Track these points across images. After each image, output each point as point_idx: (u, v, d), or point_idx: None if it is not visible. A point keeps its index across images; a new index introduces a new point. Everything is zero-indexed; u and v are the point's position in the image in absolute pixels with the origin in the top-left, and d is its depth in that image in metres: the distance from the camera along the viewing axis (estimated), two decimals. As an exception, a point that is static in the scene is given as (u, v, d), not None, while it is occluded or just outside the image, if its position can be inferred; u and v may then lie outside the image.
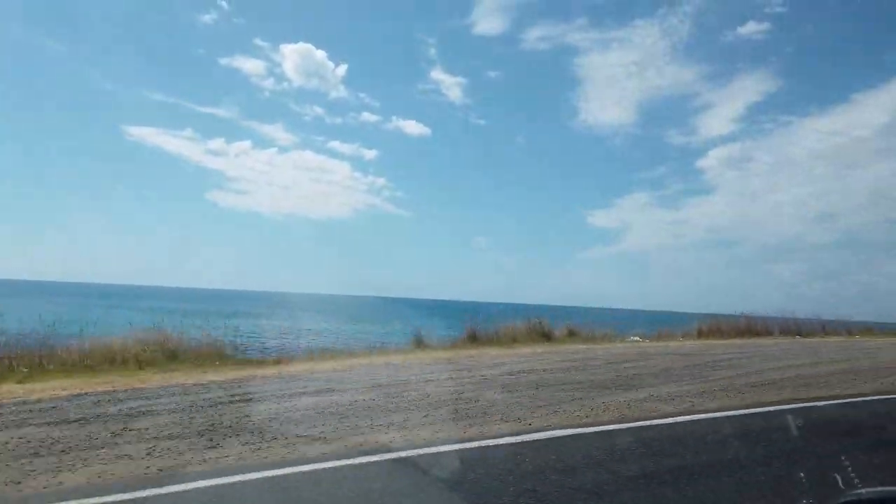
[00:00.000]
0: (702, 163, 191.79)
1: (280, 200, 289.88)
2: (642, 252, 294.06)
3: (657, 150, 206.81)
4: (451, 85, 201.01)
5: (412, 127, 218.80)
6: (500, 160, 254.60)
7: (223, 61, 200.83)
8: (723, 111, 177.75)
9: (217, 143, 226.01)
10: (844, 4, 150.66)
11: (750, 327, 21.91)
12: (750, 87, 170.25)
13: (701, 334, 20.78)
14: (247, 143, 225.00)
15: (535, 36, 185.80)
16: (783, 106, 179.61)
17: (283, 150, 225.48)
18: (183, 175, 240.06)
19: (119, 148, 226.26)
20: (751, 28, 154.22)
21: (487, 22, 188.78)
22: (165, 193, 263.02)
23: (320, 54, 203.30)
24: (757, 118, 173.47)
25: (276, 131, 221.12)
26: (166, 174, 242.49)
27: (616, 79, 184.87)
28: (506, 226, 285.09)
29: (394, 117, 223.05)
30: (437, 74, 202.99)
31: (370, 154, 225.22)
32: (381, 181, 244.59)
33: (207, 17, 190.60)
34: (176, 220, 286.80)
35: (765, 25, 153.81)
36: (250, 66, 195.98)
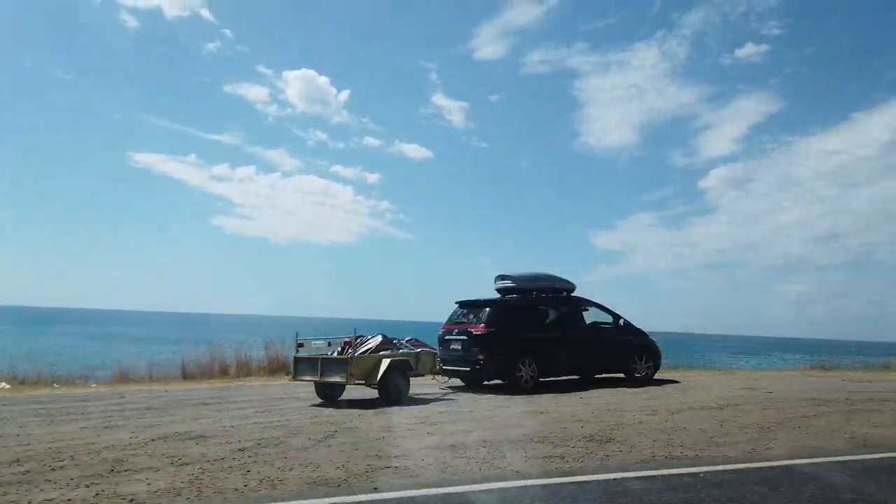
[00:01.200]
0: (704, 183, 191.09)
1: (284, 225, 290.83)
2: (647, 273, 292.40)
3: (659, 171, 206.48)
4: (452, 109, 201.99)
5: (414, 151, 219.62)
6: (503, 182, 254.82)
7: (227, 88, 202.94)
8: (724, 132, 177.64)
9: (221, 169, 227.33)
10: (842, 25, 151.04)
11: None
12: (750, 108, 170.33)
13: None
14: (251, 169, 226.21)
15: (536, 60, 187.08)
16: (784, 126, 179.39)
17: (287, 174, 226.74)
18: (188, 201, 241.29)
19: (125, 174, 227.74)
20: (749, 50, 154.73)
21: (488, 47, 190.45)
22: (171, 219, 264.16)
23: (323, 80, 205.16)
24: (758, 138, 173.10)
25: (280, 156, 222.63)
26: (172, 200, 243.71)
27: (617, 101, 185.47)
28: (510, 247, 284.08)
29: (396, 141, 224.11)
30: (439, 99, 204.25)
31: (373, 178, 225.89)
32: (384, 204, 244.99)
33: (212, 46, 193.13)
34: (181, 245, 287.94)
35: (763, 47, 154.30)
36: (254, 92, 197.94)
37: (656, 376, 13.39)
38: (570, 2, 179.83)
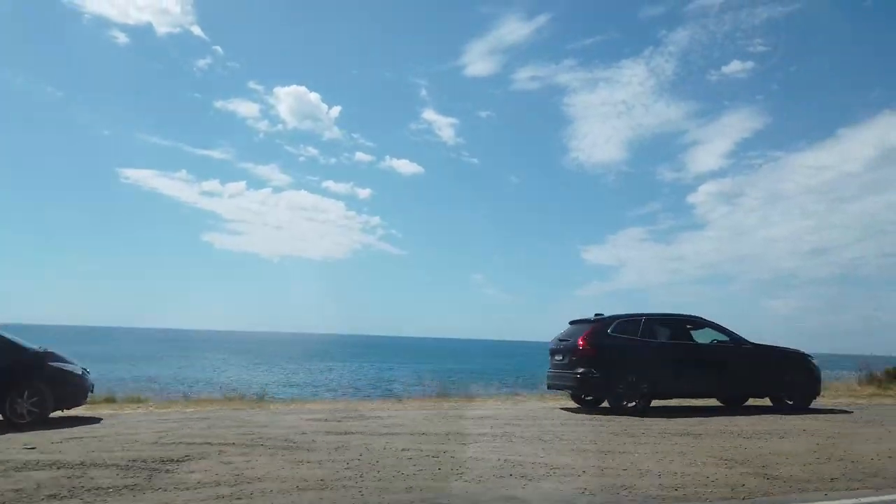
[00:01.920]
0: (693, 198, 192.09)
1: (275, 240, 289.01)
2: (640, 288, 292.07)
3: (649, 186, 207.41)
4: (443, 125, 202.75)
5: (405, 166, 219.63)
6: (494, 197, 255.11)
7: (218, 104, 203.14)
8: (712, 147, 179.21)
9: (212, 185, 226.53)
10: (827, 43, 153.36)
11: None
12: (737, 124, 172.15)
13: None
14: (241, 184, 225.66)
15: (525, 76, 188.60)
16: (771, 142, 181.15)
17: (278, 190, 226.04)
18: (178, 216, 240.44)
19: (114, 190, 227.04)
20: (735, 67, 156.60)
21: (478, 64, 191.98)
22: (161, 234, 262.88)
23: (314, 96, 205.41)
24: (746, 154, 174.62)
25: (271, 172, 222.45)
26: (162, 215, 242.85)
27: (605, 117, 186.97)
28: (502, 263, 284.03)
29: (387, 157, 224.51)
30: (430, 115, 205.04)
31: (364, 193, 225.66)
32: (375, 220, 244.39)
33: (203, 62, 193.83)
34: (171, 261, 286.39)
35: (749, 64, 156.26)
36: (245, 108, 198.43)
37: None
38: (559, 20, 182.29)
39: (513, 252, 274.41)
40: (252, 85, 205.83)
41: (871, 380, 16.91)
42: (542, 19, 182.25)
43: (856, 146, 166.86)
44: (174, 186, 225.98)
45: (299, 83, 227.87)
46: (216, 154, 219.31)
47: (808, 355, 11.85)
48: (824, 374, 12.74)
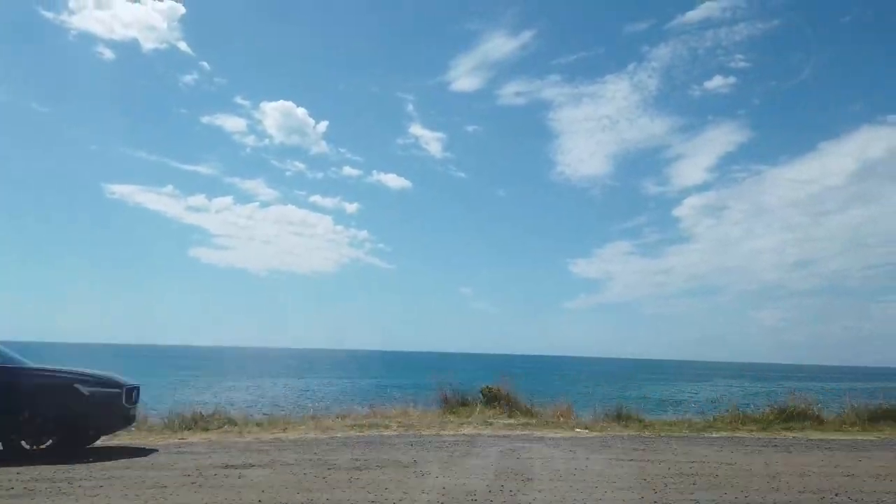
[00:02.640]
0: (678, 212, 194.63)
1: (262, 255, 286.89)
2: (627, 301, 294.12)
3: (634, 200, 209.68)
4: (430, 139, 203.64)
5: (393, 180, 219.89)
6: (482, 211, 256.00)
7: (205, 119, 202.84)
8: (696, 161, 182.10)
9: (198, 200, 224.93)
10: (806, 58, 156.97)
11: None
12: (720, 138, 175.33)
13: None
14: (228, 199, 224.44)
15: (511, 91, 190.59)
16: (754, 155, 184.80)
17: (265, 204, 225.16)
18: (165, 232, 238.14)
19: (100, 206, 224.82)
20: (717, 82, 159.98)
21: (464, 79, 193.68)
22: (147, 250, 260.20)
23: (301, 111, 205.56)
24: (729, 167, 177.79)
25: (258, 187, 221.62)
26: (148, 231, 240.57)
27: (591, 132, 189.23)
28: (490, 276, 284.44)
29: (374, 171, 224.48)
30: (417, 129, 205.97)
31: (352, 207, 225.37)
32: (363, 234, 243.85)
33: (189, 78, 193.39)
34: (158, 277, 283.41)
35: (731, 79, 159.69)
36: (232, 123, 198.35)
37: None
38: (543, 36, 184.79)
39: (501, 265, 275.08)
40: (239, 100, 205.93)
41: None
42: (526, 35, 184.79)
43: (837, 160, 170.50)
44: (161, 202, 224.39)
45: (286, 98, 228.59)
46: (203, 169, 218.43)
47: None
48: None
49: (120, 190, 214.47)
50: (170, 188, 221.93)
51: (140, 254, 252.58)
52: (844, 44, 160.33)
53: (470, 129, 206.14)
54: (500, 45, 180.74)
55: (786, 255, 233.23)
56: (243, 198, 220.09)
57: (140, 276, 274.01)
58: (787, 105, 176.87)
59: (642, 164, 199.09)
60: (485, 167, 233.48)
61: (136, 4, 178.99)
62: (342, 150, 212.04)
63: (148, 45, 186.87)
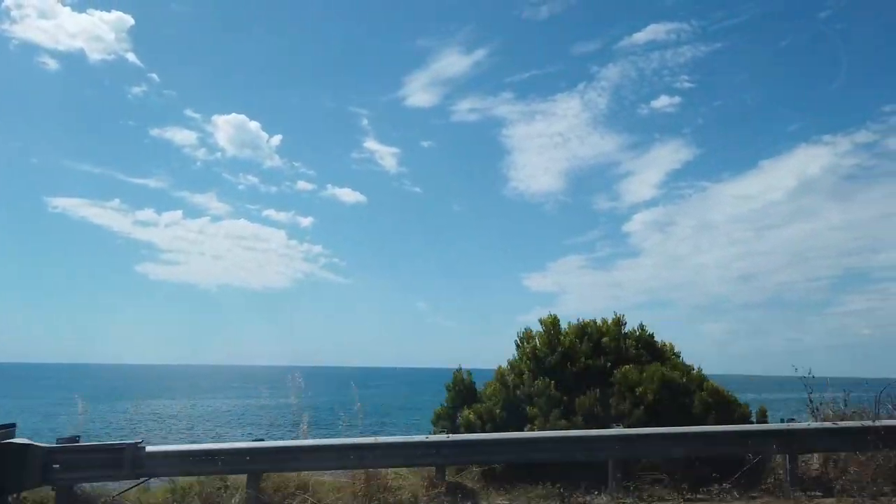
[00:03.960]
0: (628, 227, 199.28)
1: (213, 271, 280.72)
2: (581, 314, 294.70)
3: (586, 215, 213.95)
4: (385, 154, 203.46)
5: (348, 195, 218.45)
6: (437, 226, 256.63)
7: (154, 132, 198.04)
8: (644, 178, 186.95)
9: (147, 214, 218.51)
10: (748, 80, 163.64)
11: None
12: (667, 156, 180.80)
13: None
14: (178, 213, 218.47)
15: (465, 108, 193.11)
16: (699, 173, 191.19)
17: (216, 219, 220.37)
18: (111, 247, 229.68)
19: (41, 220, 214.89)
20: (664, 101, 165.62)
21: (419, 95, 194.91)
22: (92, 266, 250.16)
23: (254, 125, 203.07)
24: (676, 184, 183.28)
25: (209, 201, 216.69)
26: (93, 246, 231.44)
27: (543, 148, 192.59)
28: (446, 290, 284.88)
29: (329, 185, 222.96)
30: (371, 144, 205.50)
31: (306, 222, 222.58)
32: (317, 248, 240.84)
33: (137, 90, 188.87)
34: (103, 293, 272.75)
35: (676, 99, 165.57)
36: (182, 136, 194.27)
37: None
38: (496, 55, 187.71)
39: (456, 280, 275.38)
40: (189, 113, 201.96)
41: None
42: (480, 54, 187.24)
43: (777, 177, 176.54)
44: (106, 216, 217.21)
45: (239, 111, 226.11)
46: (151, 182, 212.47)
47: None
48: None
49: (63, 203, 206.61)
50: (116, 202, 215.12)
51: (84, 269, 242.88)
52: (782, 67, 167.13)
53: (425, 144, 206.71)
54: (453, 62, 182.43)
55: (731, 270, 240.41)
56: (194, 212, 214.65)
57: (83, 293, 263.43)
58: (730, 124, 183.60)
59: (593, 180, 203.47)
60: (440, 182, 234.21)
61: (83, 14, 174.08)
62: (296, 164, 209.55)
63: (94, 55, 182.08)
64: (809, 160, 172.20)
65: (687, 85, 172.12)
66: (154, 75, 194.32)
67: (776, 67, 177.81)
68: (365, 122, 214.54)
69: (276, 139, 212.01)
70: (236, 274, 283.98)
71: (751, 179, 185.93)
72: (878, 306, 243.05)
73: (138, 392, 54.07)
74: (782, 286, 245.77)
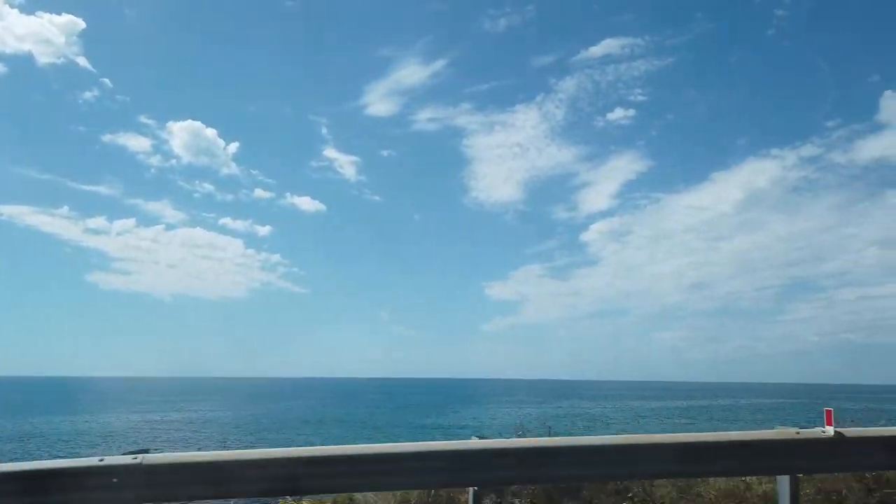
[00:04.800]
0: (585, 236, 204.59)
1: (168, 280, 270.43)
2: (540, 323, 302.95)
3: (545, 224, 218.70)
4: (344, 163, 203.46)
5: (307, 203, 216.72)
6: (398, 235, 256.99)
7: (105, 138, 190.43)
8: (601, 189, 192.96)
9: (98, 222, 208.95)
10: (699, 94, 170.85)
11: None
12: (623, 167, 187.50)
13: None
14: (130, 221, 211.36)
15: (425, 118, 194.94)
16: (653, 184, 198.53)
17: (171, 227, 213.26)
18: (60, 256, 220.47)
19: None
20: (619, 114, 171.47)
21: (379, 104, 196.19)
22: (39, 275, 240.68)
23: (210, 132, 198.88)
24: (631, 195, 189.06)
25: (163, 208, 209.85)
26: (40, 255, 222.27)
27: (502, 158, 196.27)
28: (408, 300, 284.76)
29: (288, 194, 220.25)
30: (331, 153, 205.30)
31: (264, 230, 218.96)
32: (275, 258, 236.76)
33: (89, 95, 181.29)
34: (52, 303, 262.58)
35: (631, 112, 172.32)
36: (135, 143, 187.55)
37: None
38: (455, 65, 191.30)
39: (418, 289, 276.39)
40: (143, 119, 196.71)
41: None
42: (439, 64, 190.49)
43: (727, 189, 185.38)
44: (55, 223, 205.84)
45: (194, 118, 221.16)
46: (103, 189, 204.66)
47: None
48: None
49: (9, 211, 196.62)
50: (65, 209, 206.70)
51: (31, 278, 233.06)
52: (732, 81, 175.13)
53: (385, 153, 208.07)
54: (413, 72, 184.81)
55: (684, 278, 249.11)
56: (147, 220, 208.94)
57: (30, 303, 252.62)
58: (683, 137, 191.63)
59: (552, 190, 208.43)
60: (400, 191, 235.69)
61: (31, 17, 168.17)
62: (254, 172, 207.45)
63: (43, 59, 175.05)
64: (757, 173, 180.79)
65: (641, 98, 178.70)
66: (106, 80, 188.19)
67: (725, 82, 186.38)
68: (324, 130, 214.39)
69: (234, 146, 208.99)
70: (191, 283, 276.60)
71: (703, 191, 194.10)
72: (824, 314, 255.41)
73: (54, 407, 53.25)
74: (733, 295, 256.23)
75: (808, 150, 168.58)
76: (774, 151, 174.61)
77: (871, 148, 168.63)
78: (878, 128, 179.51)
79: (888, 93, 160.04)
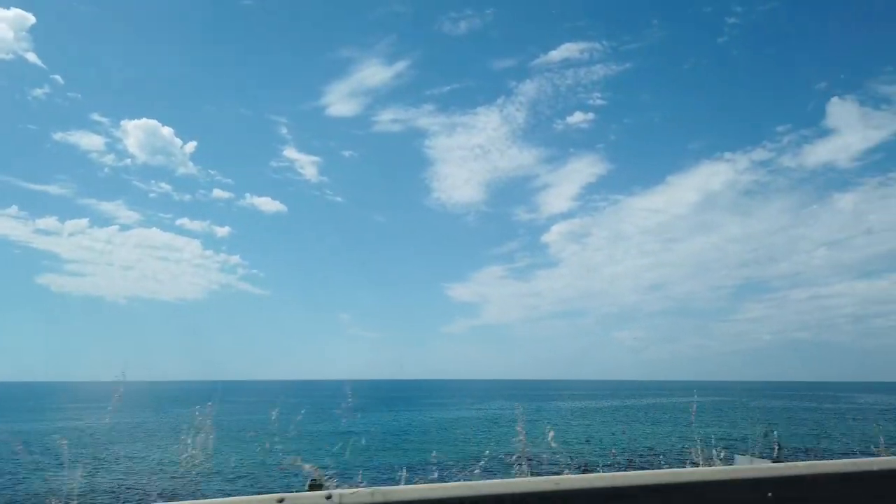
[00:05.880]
0: (546, 238, 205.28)
1: (123, 282, 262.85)
2: (502, 323, 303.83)
3: (506, 226, 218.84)
4: (305, 163, 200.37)
5: (267, 204, 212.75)
6: (360, 237, 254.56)
7: (57, 136, 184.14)
8: (561, 191, 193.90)
9: (49, 222, 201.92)
10: (655, 99, 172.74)
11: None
12: (582, 169, 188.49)
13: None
14: (83, 222, 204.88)
15: (387, 119, 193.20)
16: (612, 186, 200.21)
17: (126, 228, 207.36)
18: (9, 257, 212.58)
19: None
20: (578, 117, 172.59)
21: (341, 104, 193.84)
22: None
23: (167, 131, 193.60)
24: (591, 197, 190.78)
25: (118, 209, 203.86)
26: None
27: (464, 160, 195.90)
28: (370, 302, 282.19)
29: (247, 194, 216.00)
30: (291, 153, 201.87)
31: (223, 231, 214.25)
32: (235, 259, 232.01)
33: (39, 92, 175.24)
34: (1, 307, 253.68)
35: (590, 115, 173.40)
36: (88, 141, 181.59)
37: None
38: (417, 67, 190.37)
39: (380, 291, 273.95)
40: (96, 117, 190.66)
41: None
42: (401, 65, 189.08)
43: (682, 192, 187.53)
44: (3, 224, 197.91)
45: (150, 117, 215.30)
46: (54, 189, 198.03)
47: None
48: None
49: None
50: (14, 209, 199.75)
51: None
52: (685, 87, 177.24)
53: (346, 154, 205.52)
54: (375, 72, 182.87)
55: (642, 279, 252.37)
56: (101, 220, 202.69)
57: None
58: (640, 140, 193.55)
59: (513, 192, 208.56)
60: (362, 192, 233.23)
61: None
62: (212, 172, 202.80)
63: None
64: (711, 176, 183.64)
65: (599, 102, 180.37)
66: (57, 77, 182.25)
67: (680, 88, 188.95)
68: (284, 130, 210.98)
69: (191, 146, 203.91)
70: (147, 285, 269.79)
71: (659, 193, 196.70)
72: (776, 313, 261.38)
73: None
74: (689, 295, 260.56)
75: (760, 154, 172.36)
76: (728, 155, 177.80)
77: (819, 152, 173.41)
78: (825, 133, 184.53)
79: (835, 99, 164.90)
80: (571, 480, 2.98)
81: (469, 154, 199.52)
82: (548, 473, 4.25)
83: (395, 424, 39.77)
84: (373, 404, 66.38)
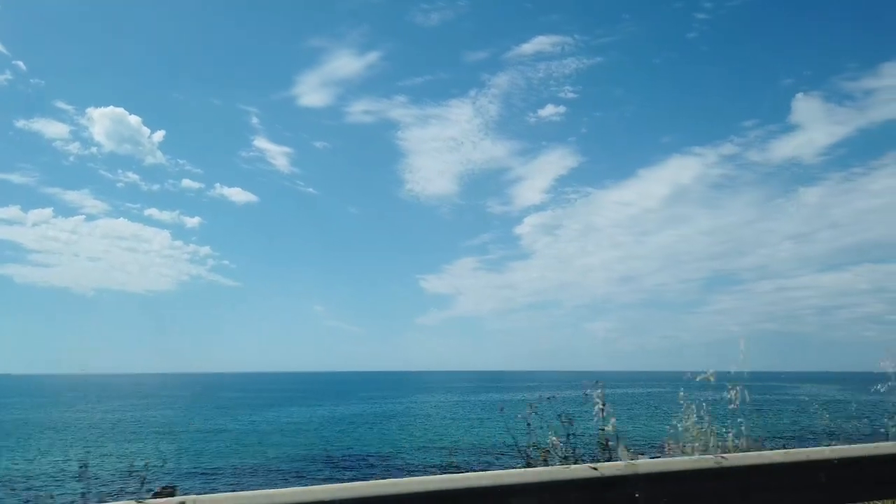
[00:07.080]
0: (519, 230, 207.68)
1: (89, 273, 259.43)
2: (475, 315, 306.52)
3: (480, 218, 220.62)
4: (276, 154, 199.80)
5: (238, 194, 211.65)
6: (333, 228, 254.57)
7: (19, 124, 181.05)
8: (534, 183, 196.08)
9: (11, 212, 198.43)
10: (626, 93, 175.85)
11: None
12: (554, 162, 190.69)
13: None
14: (47, 211, 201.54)
15: (359, 110, 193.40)
16: (583, 179, 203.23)
17: (92, 218, 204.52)
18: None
19: None
20: (550, 110, 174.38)
21: (312, 95, 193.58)
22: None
23: (134, 119, 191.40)
24: (563, 189, 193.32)
25: (83, 198, 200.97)
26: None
27: (437, 152, 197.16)
28: (343, 293, 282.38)
29: (217, 184, 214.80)
30: (262, 143, 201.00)
31: (192, 222, 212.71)
32: (205, 250, 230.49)
33: (1, 78, 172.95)
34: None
35: (561, 108, 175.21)
36: (52, 129, 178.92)
37: None
38: (389, 58, 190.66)
39: (353, 282, 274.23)
40: (60, 104, 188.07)
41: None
42: (373, 56, 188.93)
43: (652, 185, 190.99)
44: None
45: (117, 105, 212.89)
46: (16, 178, 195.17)
47: None
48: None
49: None
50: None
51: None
52: (656, 81, 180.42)
53: (318, 144, 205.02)
54: (346, 63, 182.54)
55: (613, 271, 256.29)
56: (66, 210, 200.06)
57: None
58: (611, 134, 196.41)
59: (486, 184, 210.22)
60: (335, 184, 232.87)
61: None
62: (181, 162, 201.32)
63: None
64: (681, 170, 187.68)
65: (571, 95, 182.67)
66: (20, 63, 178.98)
67: (651, 82, 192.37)
68: (255, 120, 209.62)
69: (159, 135, 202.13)
70: (115, 276, 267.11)
71: (630, 186, 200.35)
72: (744, 305, 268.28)
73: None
74: (659, 287, 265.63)
75: (728, 148, 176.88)
76: (697, 149, 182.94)
77: (785, 147, 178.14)
78: (791, 128, 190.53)
79: (800, 95, 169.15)
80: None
81: (442, 146, 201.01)
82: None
83: (281, 421, 39.24)
84: (299, 398, 66.83)
